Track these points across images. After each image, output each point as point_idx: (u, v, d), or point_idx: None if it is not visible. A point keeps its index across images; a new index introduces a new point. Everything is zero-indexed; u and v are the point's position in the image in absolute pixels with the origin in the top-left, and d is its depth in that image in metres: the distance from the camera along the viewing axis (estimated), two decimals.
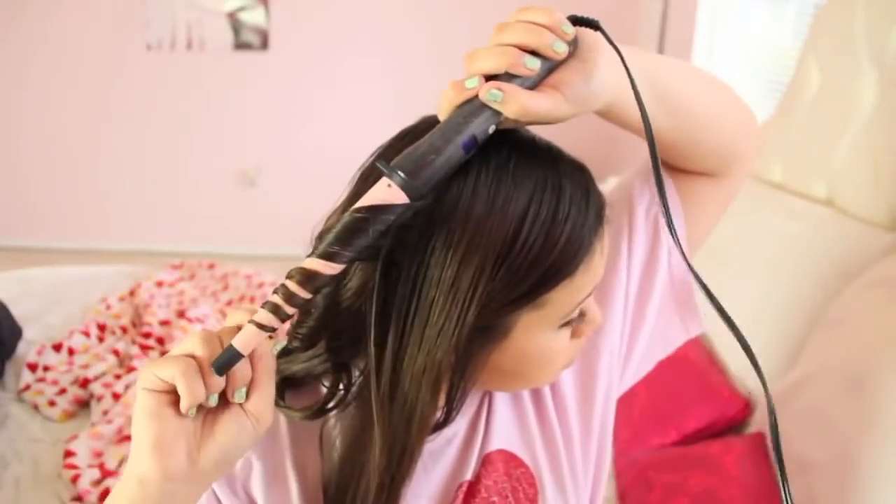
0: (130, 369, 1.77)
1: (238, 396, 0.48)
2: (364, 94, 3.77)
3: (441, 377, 0.51)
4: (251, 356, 0.48)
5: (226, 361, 0.46)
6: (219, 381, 0.47)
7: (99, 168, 3.88)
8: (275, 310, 0.47)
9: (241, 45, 3.69)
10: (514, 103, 0.45)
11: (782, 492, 0.48)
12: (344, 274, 0.49)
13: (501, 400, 0.67)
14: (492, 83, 0.45)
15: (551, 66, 0.48)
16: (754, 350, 0.48)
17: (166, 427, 0.46)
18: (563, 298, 0.53)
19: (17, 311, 2.00)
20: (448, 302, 0.49)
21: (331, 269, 0.46)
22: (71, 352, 1.92)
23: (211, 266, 2.58)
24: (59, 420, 1.69)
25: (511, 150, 0.51)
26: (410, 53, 3.73)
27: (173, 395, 0.46)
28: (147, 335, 1.94)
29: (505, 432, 0.66)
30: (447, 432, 0.63)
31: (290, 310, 0.47)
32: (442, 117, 0.48)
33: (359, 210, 0.47)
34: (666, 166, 0.66)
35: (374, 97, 3.75)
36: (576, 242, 0.51)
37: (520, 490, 0.64)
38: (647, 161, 0.64)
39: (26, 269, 2.50)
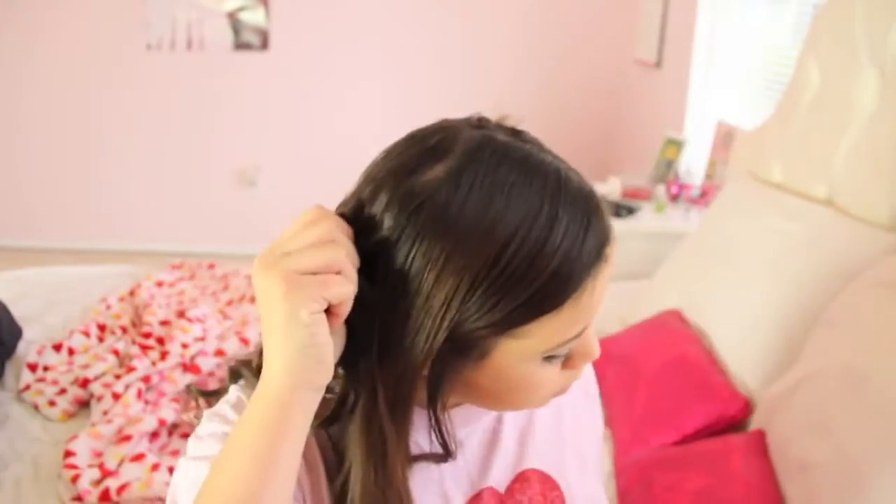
0: (130, 369, 1.77)
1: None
2: (364, 94, 3.77)
3: (413, 388, 0.50)
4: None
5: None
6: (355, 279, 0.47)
7: (99, 168, 3.88)
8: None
9: (241, 45, 3.69)
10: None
11: None
12: None
13: (541, 416, 0.66)
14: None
15: None
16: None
17: (325, 330, 0.46)
18: (546, 333, 0.50)
19: (17, 311, 2.00)
20: (421, 315, 0.48)
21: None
22: (71, 352, 1.92)
23: (211, 266, 2.58)
24: (59, 420, 1.69)
25: (512, 167, 0.49)
26: (410, 53, 3.73)
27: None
28: (147, 335, 1.94)
29: (543, 451, 0.65)
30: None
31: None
32: None
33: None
34: None
35: (373, 97, 3.76)
36: (564, 276, 0.48)
37: None
38: None
39: (26, 269, 2.51)
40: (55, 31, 3.65)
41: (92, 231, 3.98)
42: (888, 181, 1.44)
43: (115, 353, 1.91)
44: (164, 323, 2.02)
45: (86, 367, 1.83)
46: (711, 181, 2.65)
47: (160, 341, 1.92)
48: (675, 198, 2.67)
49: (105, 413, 1.66)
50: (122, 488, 1.42)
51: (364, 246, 0.49)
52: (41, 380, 1.79)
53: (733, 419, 1.43)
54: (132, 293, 2.25)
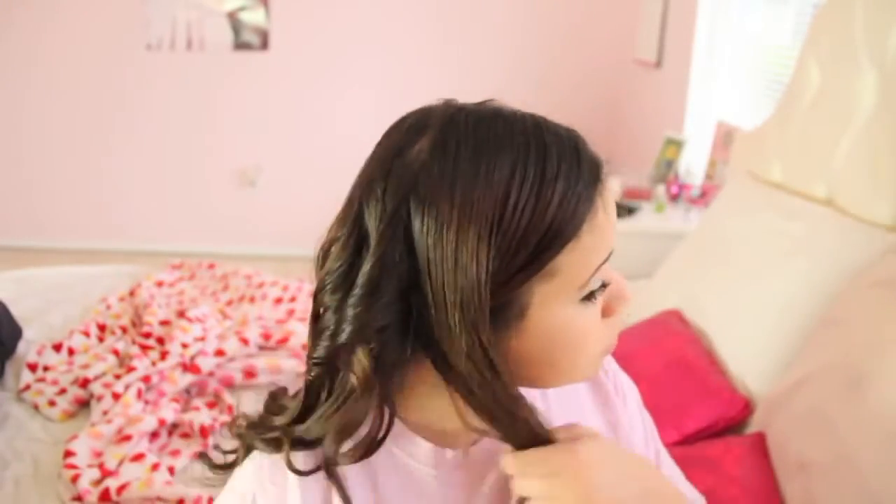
0: (130, 369, 1.77)
1: None
2: (364, 93, 3.77)
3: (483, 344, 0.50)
4: None
5: None
6: None
7: (99, 168, 3.88)
8: None
9: (241, 45, 3.69)
10: None
11: None
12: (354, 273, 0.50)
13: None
14: None
15: None
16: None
17: None
18: (574, 264, 0.51)
19: (17, 311, 2.00)
20: (456, 281, 0.48)
21: None
22: (71, 352, 1.92)
23: (211, 266, 2.58)
24: (59, 420, 1.69)
25: (490, 122, 0.51)
26: (410, 53, 3.73)
27: None
28: (147, 335, 1.94)
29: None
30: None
31: None
32: None
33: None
34: None
35: (373, 97, 3.75)
36: (572, 199, 0.50)
37: None
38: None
39: (26, 269, 2.51)
40: (55, 32, 3.65)
41: (92, 231, 3.98)
42: (888, 181, 1.44)
43: (115, 353, 1.91)
44: (164, 323, 2.02)
45: (86, 367, 1.83)
46: (711, 181, 2.65)
47: (160, 341, 1.92)
48: (675, 198, 2.67)
49: (105, 413, 1.66)
50: (121, 488, 1.42)
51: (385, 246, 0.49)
52: (41, 380, 1.79)
53: (733, 419, 1.43)
54: (132, 293, 2.25)
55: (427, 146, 0.50)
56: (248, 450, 0.58)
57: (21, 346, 1.93)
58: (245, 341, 1.91)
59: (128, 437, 1.55)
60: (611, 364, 0.73)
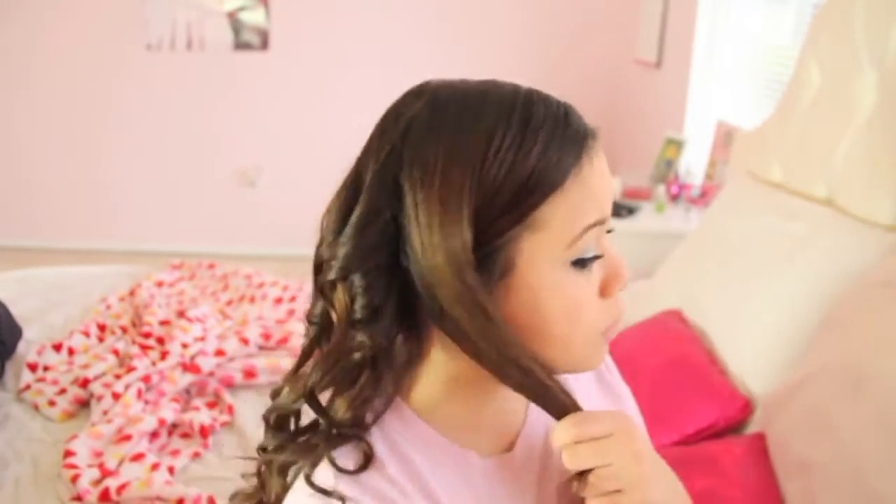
0: (130, 369, 1.77)
1: None
2: (364, 93, 3.77)
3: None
4: None
5: None
6: None
7: (99, 168, 3.89)
8: None
9: (241, 45, 3.69)
10: None
11: None
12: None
13: None
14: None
15: None
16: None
17: None
18: (561, 218, 0.50)
19: (17, 311, 2.00)
20: (441, 222, 0.49)
21: None
22: (71, 352, 1.92)
23: (211, 266, 2.58)
24: (59, 420, 1.69)
25: (482, 86, 0.53)
26: (410, 53, 3.73)
27: None
28: (147, 335, 1.94)
29: None
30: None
31: None
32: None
33: None
34: None
35: (374, 97, 3.73)
36: (555, 149, 0.50)
37: None
38: None
39: (26, 269, 2.51)
40: (55, 31, 3.65)
41: (92, 231, 3.98)
42: (888, 181, 1.44)
43: (115, 353, 1.91)
44: (164, 323, 2.02)
45: (86, 366, 1.84)
46: (711, 181, 2.65)
47: (160, 341, 1.92)
48: (675, 198, 2.67)
49: (105, 413, 1.66)
50: (121, 488, 1.42)
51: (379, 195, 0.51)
52: (41, 380, 1.79)
53: (733, 419, 1.43)
54: (132, 293, 2.25)
55: (420, 105, 0.53)
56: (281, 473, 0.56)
57: (21, 346, 1.94)
58: (245, 341, 1.91)
59: (128, 437, 1.55)
60: (612, 367, 0.74)
